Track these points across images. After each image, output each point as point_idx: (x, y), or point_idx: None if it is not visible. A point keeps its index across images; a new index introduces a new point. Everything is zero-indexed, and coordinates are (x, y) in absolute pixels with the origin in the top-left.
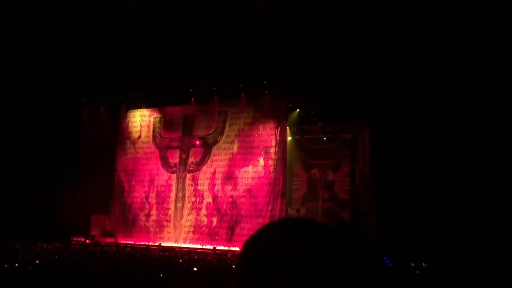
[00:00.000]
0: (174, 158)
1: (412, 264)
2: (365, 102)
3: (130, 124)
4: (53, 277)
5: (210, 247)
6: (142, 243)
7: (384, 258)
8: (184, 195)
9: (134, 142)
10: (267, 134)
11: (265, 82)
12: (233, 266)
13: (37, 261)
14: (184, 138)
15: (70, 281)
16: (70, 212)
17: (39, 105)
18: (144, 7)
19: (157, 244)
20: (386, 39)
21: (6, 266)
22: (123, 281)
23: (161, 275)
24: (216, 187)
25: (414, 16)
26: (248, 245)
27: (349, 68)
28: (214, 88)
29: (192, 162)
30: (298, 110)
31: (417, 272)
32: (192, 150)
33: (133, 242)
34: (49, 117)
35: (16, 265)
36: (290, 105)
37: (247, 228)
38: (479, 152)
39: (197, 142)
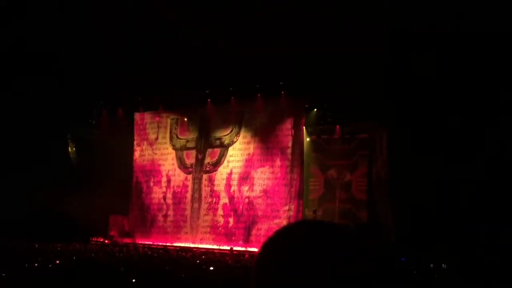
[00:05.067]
0: (191, 158)
1: (432, 265)
2: (383, 102)
3: (147, 126)
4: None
5: (227, 247)
6: (160, 244)
7: (403, 259)
8: (200, 196)
9: (151, 144)
10: (284, 135)
11: (281, 83)
12: (251, 267)
13: (57, 261)
14: (201, 139)
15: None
16: (89, 213)
17: (58, 107)
18: (163, 8)
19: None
20: (405, 41)
21: (26, 265)
22: (142, 280)
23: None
24: (233, 188)
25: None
26: (266, 247)
27: (366, 68)
28: (231, 89)
29: (208, 163)
30: (315, 110)
31: (436, 276)
32: (209, 151)
33: (151, 243)
34: (67, 118)
35: (36, 265)
36: (306, 106)
37: (264, 229)
38: (500, 152)
39: (214, 143)
